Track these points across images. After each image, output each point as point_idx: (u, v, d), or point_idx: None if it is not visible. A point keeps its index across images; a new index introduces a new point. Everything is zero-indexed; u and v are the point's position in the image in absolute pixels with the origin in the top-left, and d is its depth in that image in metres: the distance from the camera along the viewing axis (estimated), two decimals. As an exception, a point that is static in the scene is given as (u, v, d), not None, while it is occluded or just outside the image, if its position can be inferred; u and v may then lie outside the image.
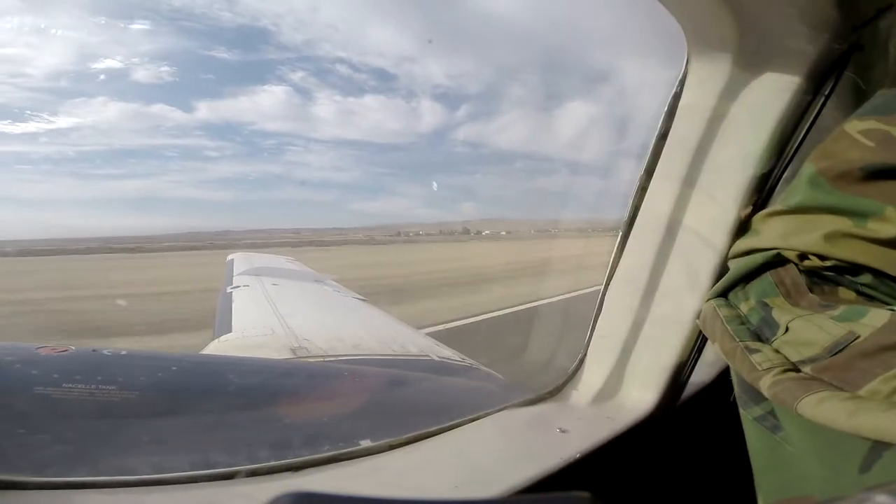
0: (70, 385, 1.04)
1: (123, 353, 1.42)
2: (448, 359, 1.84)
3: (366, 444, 0.55)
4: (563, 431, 0.64)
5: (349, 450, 0.54)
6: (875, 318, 0.38)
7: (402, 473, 0.53)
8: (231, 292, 2.47)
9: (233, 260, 3.63)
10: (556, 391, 0.75)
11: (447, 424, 0.62)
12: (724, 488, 0.79)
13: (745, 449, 0.49)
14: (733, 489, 0.76)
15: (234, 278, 2.83)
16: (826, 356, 0.38)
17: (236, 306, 2.27)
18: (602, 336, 0.75)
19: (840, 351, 0.37)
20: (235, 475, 0.47)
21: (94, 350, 1.41)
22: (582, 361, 0.76)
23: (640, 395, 0.72)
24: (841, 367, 0.37)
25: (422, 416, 0.74)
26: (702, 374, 0.83)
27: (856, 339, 0.37)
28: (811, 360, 0.39)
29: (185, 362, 1.44)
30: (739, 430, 0.50)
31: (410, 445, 0.58)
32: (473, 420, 0.65)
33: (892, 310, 0.38)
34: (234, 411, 1.04)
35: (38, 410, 0.92)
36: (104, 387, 1.07)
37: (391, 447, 0.56)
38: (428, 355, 1.86)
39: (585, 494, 0.17)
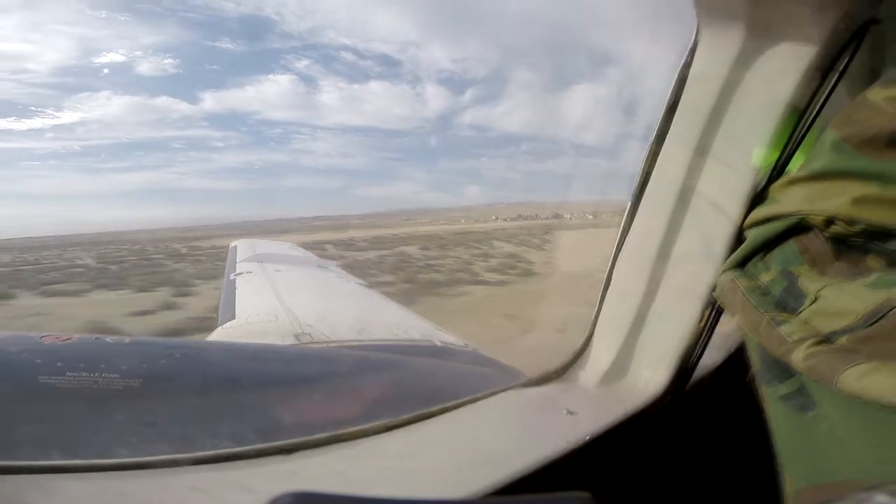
0: (73, 374, 1.04)
1: (127, 340, 1.42)
2: (450, 344, 1.84)
3: (362, 425, 0.53)
4: (571, 413, 0.61)
5: (344, 432, 0.51)
6: None
7: (401, 456, 0.50)
8: (234, 279, 2.47)
9: (236, 247, 3.63)
10: (562, 371, 0.72)
11: (448, 405, 0.60)
12: (741, 474, 0.77)
13: (764, 431, 0.46)
14: (752, 474, 0.74)
15: (237, 265, 2.84)
16: (863, 325, 0.35)
17: (240, 293, 2.28)
18: (610, 313, 0.72)
19: (879, 319, 0.34)
20: (222, 458, 0.45)
21: (97, 338, 1.41)
22: (589, 340, 0.73)
23: (652, 376, 0.70)
24: (883, 336, 0.34)
25: (424, 399, 0.72)
26: (713, 355, 0.81)
27: (894, 308, 0.34)
28: (845, 331, 0.36)
29: (188, 349, 1.44)
30: (757, 411, 0.47)
31: (409, 427, 0.55)
32: (476, 401, 0.63)
33: None
34: (235, 397, 1.03)
35: (42, 399, 0.92)
36: (108, 375, 1.07)
37: (388, 428, 0.54)
38: (430, 340, 1.87)
39: (585, 494, 0.17)
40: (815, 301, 0.40)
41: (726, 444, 0.78)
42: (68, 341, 1.23)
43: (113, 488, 0.39)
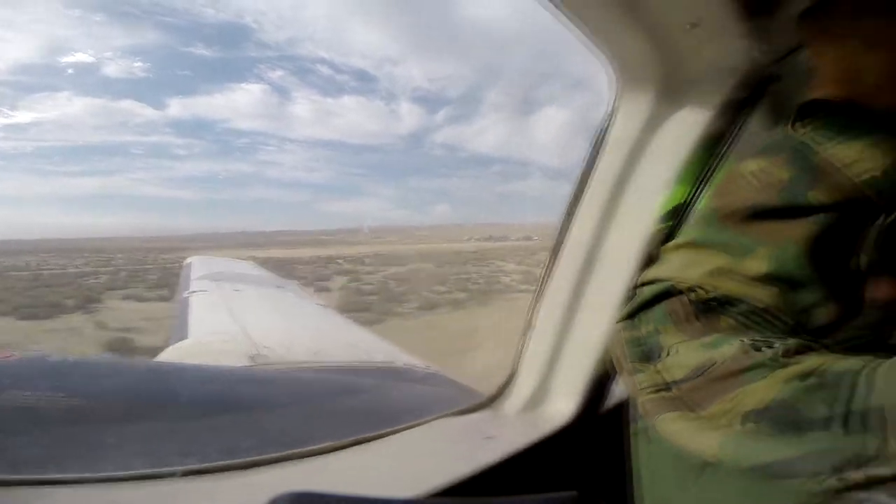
0: (17, 392, 1.03)
1: (72, 360, 1.40)
2: (408, 365, 1.88)
3: (310, 446, 0.61)
4: (489, 438, 0.71)
5: (294, 451, 0.59)
6: (730, 348, 0.43)
7: (341, 474, 0.58)
8: (188, 297, 2.42)
9: (191, 263, 3.53)
10: (489, 401, 0.82)
11: (385, 431, 0.68)
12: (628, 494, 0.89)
13: None
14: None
15: (192, 282, 2.77)
16: (691, 379, 0.43)
17: (193, 312, 2.23)
18: (533, 349, 0.82)
19: (700, 375, 0.43)
20: (184, 473, 0.52)
21: (41, 356, 1.39)
22: (513, 374, 0.84)
23: (565, 405, 0.80)
24: (697, 389, 0.42)
25: (370, 421, 0.80)
26: (623, 388, 0.93)
27: (713, 366, 0.43)
28: (678, 382, 0.45)
29: (137, 370, 1.43)
30: None
31: (350, 449, 0.63)
32: (410, 427, 0.72)
33: (743, 341, 0.44)
34: (185, 419, 1.05)
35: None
36: (51, 393, 1.07)
37: (333, 450, 0.62)
38: (388, 362, 1.90)
39: (573, 493, 0.20)
40: (668, 355, 0.47)
41: (623, 466, 0.90)
42: (9, 359, 1.22)
43: (104, 498, 0.45)
